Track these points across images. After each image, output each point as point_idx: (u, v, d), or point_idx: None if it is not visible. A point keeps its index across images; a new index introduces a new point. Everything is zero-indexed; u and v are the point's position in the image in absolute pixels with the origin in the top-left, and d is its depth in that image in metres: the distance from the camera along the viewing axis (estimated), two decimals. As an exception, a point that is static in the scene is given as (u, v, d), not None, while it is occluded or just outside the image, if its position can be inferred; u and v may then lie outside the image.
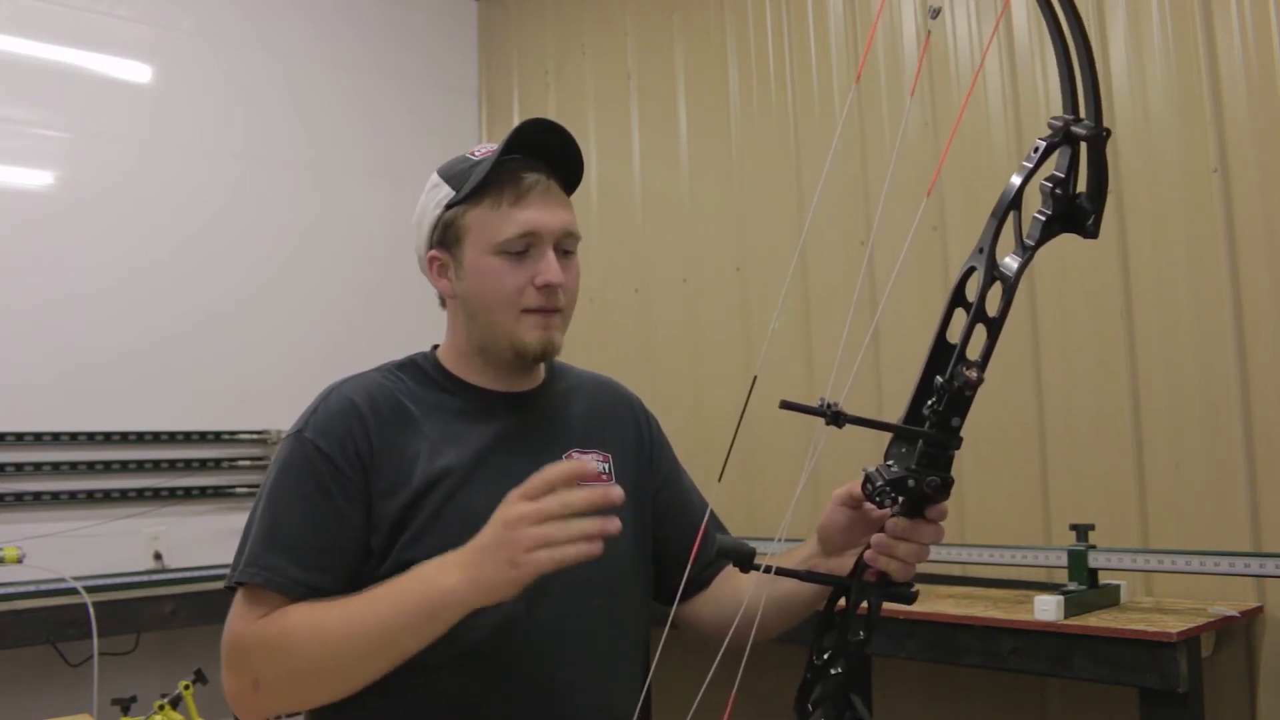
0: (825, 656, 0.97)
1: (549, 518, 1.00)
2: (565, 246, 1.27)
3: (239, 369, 3.46)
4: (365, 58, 3.92)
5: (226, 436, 3.42)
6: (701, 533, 1.21)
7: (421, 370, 1.32)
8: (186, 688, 2.66)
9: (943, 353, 0.91)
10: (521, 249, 1.24)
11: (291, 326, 3.59)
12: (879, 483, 0.92)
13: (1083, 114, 0.91)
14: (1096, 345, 2.53)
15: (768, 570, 0.98)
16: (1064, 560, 2.29)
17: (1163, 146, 2.44)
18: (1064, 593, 2.17)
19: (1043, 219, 0.90)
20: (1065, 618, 2.11)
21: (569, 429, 1.33)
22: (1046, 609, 2.12)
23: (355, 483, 1.19)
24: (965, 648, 2.26)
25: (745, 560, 0.94)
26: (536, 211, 1.23)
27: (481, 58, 4.24)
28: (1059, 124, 0.91)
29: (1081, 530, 2.31)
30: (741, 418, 1.01)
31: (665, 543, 1.38)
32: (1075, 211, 0.91)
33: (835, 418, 0.86)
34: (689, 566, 1.22)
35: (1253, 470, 2.28)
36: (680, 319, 3.47)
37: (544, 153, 1.28)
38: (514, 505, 1.03)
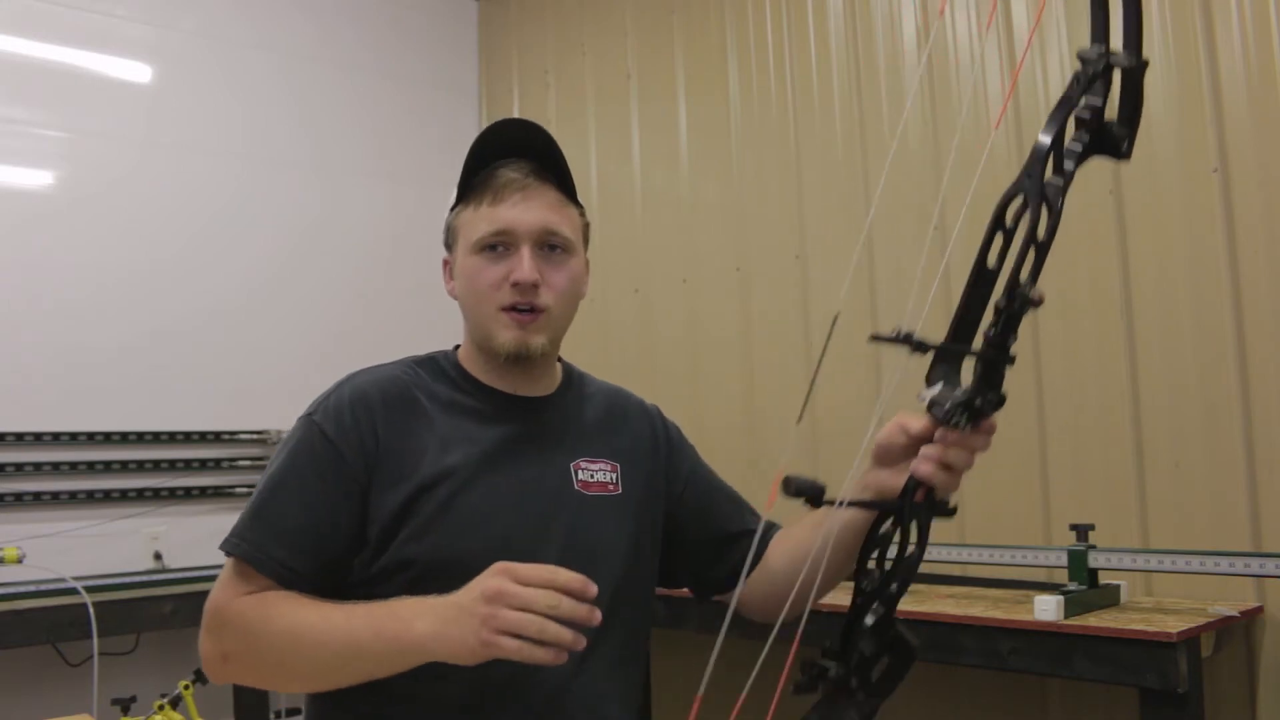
0: (878, 575, 0.97)
1: (531, 609, 0.98)
2: (550, 244, 1.27)
3: (239, 369, 3.46)
4: (365, 58, 3.92)
5: (226, 436, 3.42)
6: (761, 529, 1.28)
7: (440, 368, 1.33)
8: (186, 688, 2.66)
9: (983, 279, 0.93)
10: (496, 246, 1.25)
11: (291, 326, 3.59)
12: (947, 405, 0.95)
13: (1115, 46, 0.91)
14: (1096, 345, 2.53)
15: (839, 505, 0.98)
16: (1064, 560, 2.29)
17: (1163, 146, 2.44)
18: (1064, 593, 2.17)
19: (1078, 147, 0.92)
20: (1065, 618, 2.11)
21: (579, 437, 1.33)
22: (1046, 609, 2.12)
23: (356, 472, 1.20)
24: (965, 648, 2.26)
25: (817, 496, 0.94)
26: (510, 209, 1.25)
27: (481, 58, 4.24)
28: (1095, 55, 0.91)
29: (1081, 530, 2.31)
30: (822, 358, 1.01)
31: (695, 539, 1.39)
32: (1107, 136, 0.93)
33: (918, 345, 0.89)
34: (749, 556, 1.26)
35: (1253, 470, 2.28)
36: (680, 319, 3.47)
37: (534, 153, 1.29)
38: (502, 579, 1.00)
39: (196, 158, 3.48)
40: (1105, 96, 0.92)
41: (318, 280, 3.68)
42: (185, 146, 3.46)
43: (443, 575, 1.10)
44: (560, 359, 1.41)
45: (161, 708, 2.63)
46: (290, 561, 1.16)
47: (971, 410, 0.96)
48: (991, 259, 0.93)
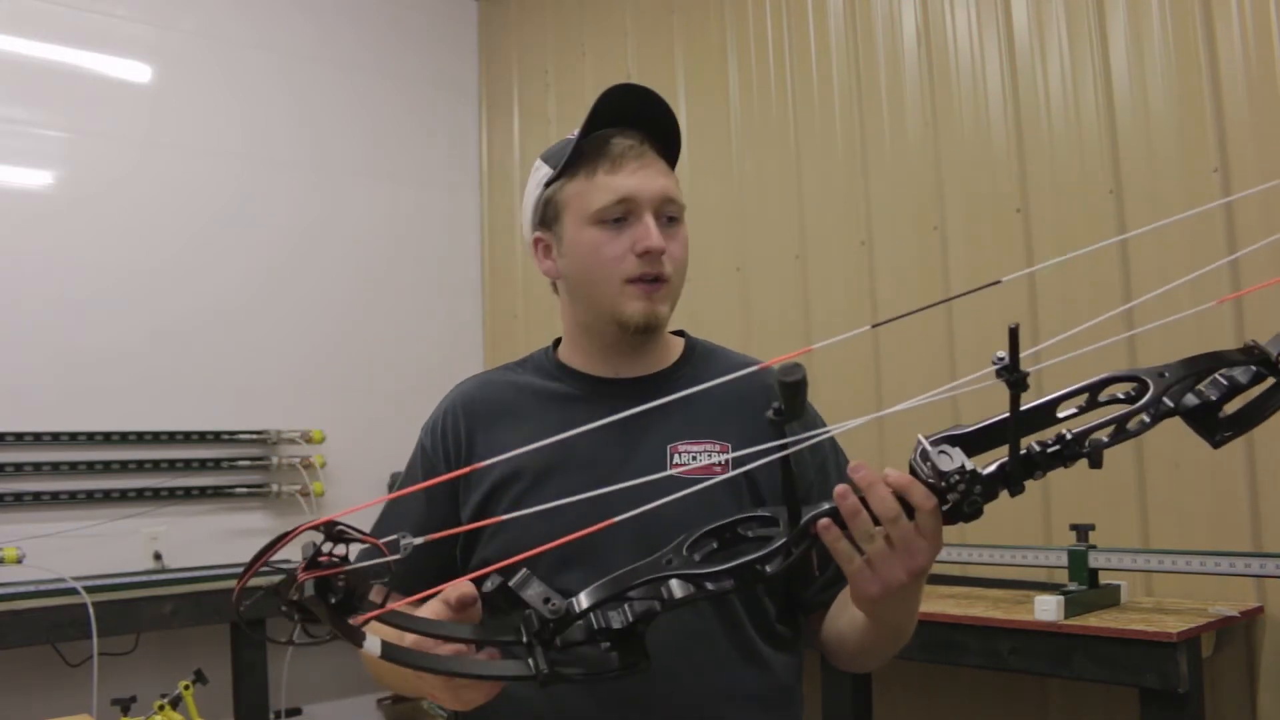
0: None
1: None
2: (668, 214, 1.22)
3: (239, 369, 3.45)
4: (365, 58, 3.92)
5: (226, 436, 3.41)
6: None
7: (536, 361, 1.32)
8: (186, 688, 2.66)
9: (1042, 413, 0.91)
10: (619, 216, 1.20)
11: (291, 326, 3.59)
12: (956, 466, 0.88)
13: None
14: (1096, 343, 2.52)
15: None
16: (1064, 560, 2.29)
17: (1163, 146, 2.43)
18: (1064, 593, 2.17)
19: (1196, 401, 0.90)
20: (1065, 618, 2.11)
21: (680, 417, 1.20)
22: (1046, 609, 2.12)
23: (452, 481, 1.21)
24: (965, 648, 2.26)
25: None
26: (630, 177, 1.20)
27: (481, 58, 4.24)
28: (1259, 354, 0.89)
29: (1081, 530, 2.31)
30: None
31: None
32: (1211, 419, 0.90)
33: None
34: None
35: (1253, 470, 2.28)
36: (680, 319, 3.45)
37: (639, 121, 1.24)
38: None
39: (196, 158, 3.48)
40: (1237, 388, 0.90)
41: (318, 280, 3.68)
42: (185, 146, 3.46)
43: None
44: (685, 334, 1.36)
45: (161, 708, 2.63)
46: (404, 575, 1.18)
47: (982, 484, 0.87)
48: (1063, 407, 0.90)
